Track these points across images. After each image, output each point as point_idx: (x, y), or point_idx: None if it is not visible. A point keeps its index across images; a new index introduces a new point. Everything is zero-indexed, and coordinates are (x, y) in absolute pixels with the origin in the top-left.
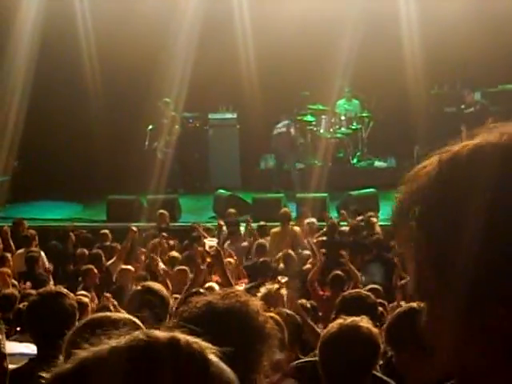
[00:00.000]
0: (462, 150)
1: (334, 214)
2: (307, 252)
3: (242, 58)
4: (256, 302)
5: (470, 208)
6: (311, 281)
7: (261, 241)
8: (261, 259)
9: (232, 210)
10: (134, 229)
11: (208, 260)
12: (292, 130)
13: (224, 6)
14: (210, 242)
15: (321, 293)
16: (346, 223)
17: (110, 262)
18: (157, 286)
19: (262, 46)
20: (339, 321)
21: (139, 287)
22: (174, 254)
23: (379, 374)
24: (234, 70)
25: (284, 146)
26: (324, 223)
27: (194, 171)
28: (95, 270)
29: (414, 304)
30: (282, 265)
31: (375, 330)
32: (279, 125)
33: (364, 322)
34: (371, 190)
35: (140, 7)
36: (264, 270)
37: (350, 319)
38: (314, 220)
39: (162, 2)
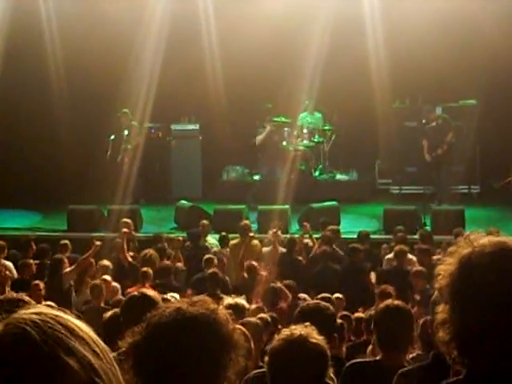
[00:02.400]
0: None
1: (295, 227)
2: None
3: (206, 69)
4: (224, 311)
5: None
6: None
7: (208, 255)
8: (209, 271)
9: (205, 222)
10: (98, 243)
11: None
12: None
13: (190, 18)
14: None
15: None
16: (308, 235)
17: (67, 269)
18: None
19: (226, 58)
20: (286, 333)
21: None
22: (105, 262)
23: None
24: (197, 81)
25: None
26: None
27: (155, 182)
28: (41, 286)
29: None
30: (246, 275)
31: (323, 342)
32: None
33: (312, 333)
34: (333, 202)
35: (107, 18)
36: (213, 282)
37: (297, 331)
38: (278, 232)
39: (129, 13)
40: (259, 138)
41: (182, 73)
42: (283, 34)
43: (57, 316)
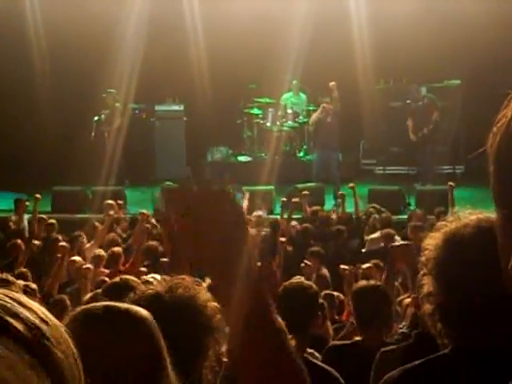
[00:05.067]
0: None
1: (279, 208)
2: None
3: (190, 50)
4: (204, 295)
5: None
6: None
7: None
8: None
9: None
10: (111, 212)
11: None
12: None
13: None
14: None
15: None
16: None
17: (87, 245)
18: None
19: (210, 38)
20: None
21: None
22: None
23: (322, 365)
24: (181, 62)
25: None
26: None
27: (140, 163)
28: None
29: None
30: None
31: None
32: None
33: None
34: (317, 183)
35: None
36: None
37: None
38: (261, 213)
39: None
40: (313, 118)
41: (166, 53)
42: (267, 14)
43: (6, 291)
